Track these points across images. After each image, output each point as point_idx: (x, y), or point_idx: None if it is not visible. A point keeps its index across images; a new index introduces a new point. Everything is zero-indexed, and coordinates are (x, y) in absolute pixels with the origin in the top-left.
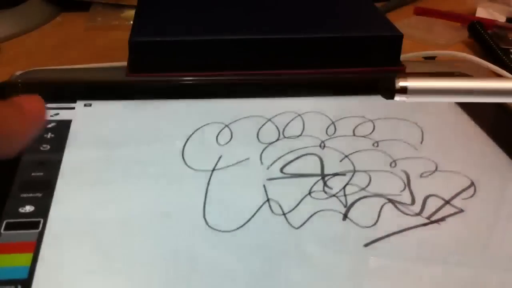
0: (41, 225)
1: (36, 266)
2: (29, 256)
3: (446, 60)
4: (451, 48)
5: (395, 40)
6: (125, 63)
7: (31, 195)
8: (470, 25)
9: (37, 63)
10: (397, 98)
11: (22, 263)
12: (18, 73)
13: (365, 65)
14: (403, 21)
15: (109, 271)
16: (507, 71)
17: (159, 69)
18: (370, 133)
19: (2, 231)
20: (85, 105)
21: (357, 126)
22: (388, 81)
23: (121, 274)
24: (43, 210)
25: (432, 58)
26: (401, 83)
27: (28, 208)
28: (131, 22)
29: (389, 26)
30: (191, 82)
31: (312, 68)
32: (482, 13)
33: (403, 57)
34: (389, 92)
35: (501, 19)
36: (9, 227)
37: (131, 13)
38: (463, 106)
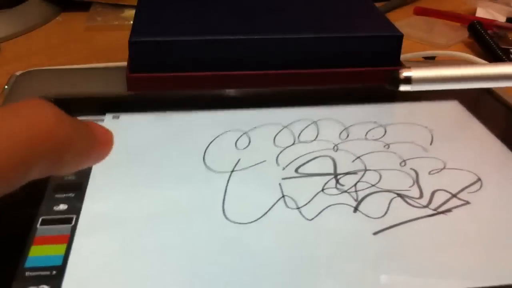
0: (74, 220)
1: (70, 254)
2: (63, 247)
3: (446, 60)
4: (451, 48)
5: (396, 40)
6: (125, 63)
7: (64, 195)
8: (470, 25)
9: (37, 63)
10: (402, 88)
11: (57, 252)
12: (18, 73)
13: (366, 65)
14: (403, 21)
15: (134, 261)
16: None
17: (159, 69)
18: (382, 137)
19: (38, 226)
20: (113, 117)
21: (369, 131)
22: (393, 72)
23: (145, 264)
24: (75, 208)
25: (432, 58)
26: (405, 73)
27: (62, 207)
28: (131, 22)
29: (389, 26)
30: (212, 94)
31: (313, 68)
32: (482, 13)
33: (403, 57)
34: (395, 82)
35: (501, 19)
36: (44, 223)
37: (131, 13)
38: (472, 109)
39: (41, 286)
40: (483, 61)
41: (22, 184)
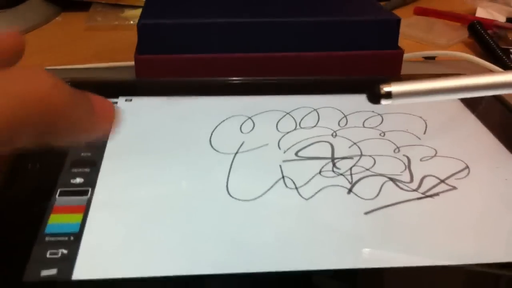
0: (89, 193)
1: (86, 222)
2: (79, 216)
3: (446, 60)
4: (451, 48)
5: (393, 23)
6: (125, 63)
7: (80, 170)
8: (470, 25)
9: (37, 63)
10: (383, 102)
11: (74, 221)
12: None
13: (365, 48)
14: (403, 21)
15: (144, 233)
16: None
17: (166, 51)
18: (378, 125)
19: (57, 196)
20: (126, 100)
21: (367, 119)
22: (374, 87)
23: (154, 237)
24: (91, 181)
25: (432, 58)
26: (386, 89)
27: (78, 180)
28: (131, 22)
29: (387, 12)
30: (218, 81)
31: (313, 51)
32: (482, 13)
33: (403, 56)
34: (376, 97)
35: (501, 19)
36: (62, 194)
37: (131, 13)
38: (465, 101)
39: (60, 249)
40: (483, 61)
41: (8, 149)
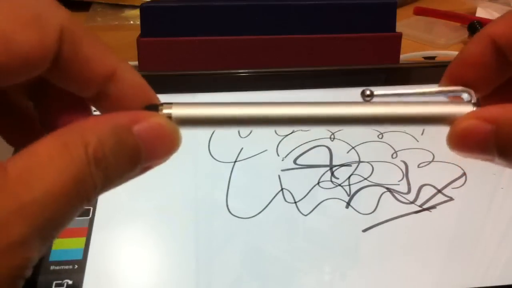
0: (91, 213)
1: (89, 248)
2: (82, 240)
3: (446, 60)
4: (451, 48)
5: (389, 6)
6: None
7: None
8: (470, 25)
9: None
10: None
11: (77, 246)
12: None
13: (363, 30)
14: (403, 21)
15: (148, 252)
16: None
17: (167, 34)
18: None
19: None
20: None
21: None
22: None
23: (158, 254)
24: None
25: (432, 58)
26: (166, 111)
27: None
28: (131, 22)
29: None
30: (215, 76)
31: (311, 34)
32: (482, 13)
33: (403, 57)
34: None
35: None
36: None
37: (131, 13)
38: None
39: (65, 280)
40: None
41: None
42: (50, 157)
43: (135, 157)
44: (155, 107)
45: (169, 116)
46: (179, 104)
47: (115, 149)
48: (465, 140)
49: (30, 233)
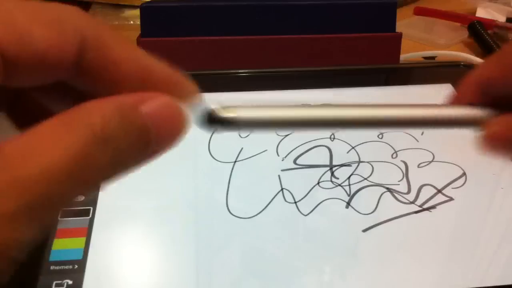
0: (91, 213)
1: (89, 248)
2: (82, 240)
3: (446, 60)
4: (451, 48)
5: (389, 6)
6: None
7: None
8: (470, 25)
9: None
10: (220, 131)
11: (77, 246)
12: None
13: (363, 30)
14: (403, 21)
15: (148, 252)
16: None
17: (168, 33)
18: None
19: (59, 218)
20: None
21: None
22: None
23: (158, 254)
24: (92, 199)
25: (432, 58)
26: (227, 114)
27: (79, 197)
28: (131, 22)
29: None
30: (215, 76)
31: (312, 33)
32: (482, 13)
33: (403, 57)
34: (208, 122)
35: (501, 19)
36: (63, 214)
37: (131, 13)
38: None
39: (65, 280)
40: (482, 61)
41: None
42: (52, 136)
43: (144, 137)
44: (213, 109)
45: (234, 118)
46: (243, 107)
47: (122, 128)
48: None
49: (19, 209)
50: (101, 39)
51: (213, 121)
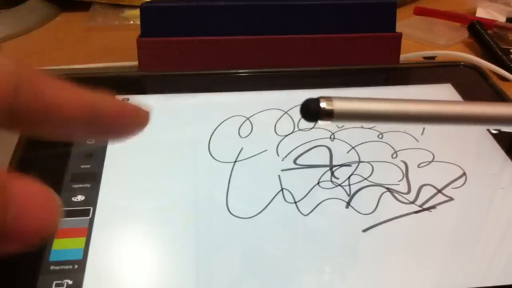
0: (91, 213)
1: (89, 248)
2: (82, 240)
3: (446, 60)
4: (451, 48)
5: (389, 6)
6: (125, 63)
7: (81, 185)
8: (470, 25)
9: (37, 63)
10: (321, 122)
11: (77, 246)
12: None
13: (363, 30)
14: (403, 21)
15: (148, 252)
16: (507, 71)
17: (167, 34)
18: (376, 125)
19: None
20: (122, 99)
21: None
22: (310, 100)
23: (158, 254)
24: (92, 199)
25: (432, 58)
26: (326, 105)
27: (80, 197)
28: (131, 22)
29: None
30: (216, 76)
31: (312, 33)
32: (482, 13)
33: (403, 57)
34: (311, 114)
35: (501, 19)
36: (64, 214)
37: (131, 13)
38: (464, 93)
39: (65, 280)
40: (483, 61)
41: None
42: None
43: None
44: (315, 100)
45: (331, 110)
46: (338, 98)
47: None
48: None
49: None
50: (36, 83)
51: (313, 111)
